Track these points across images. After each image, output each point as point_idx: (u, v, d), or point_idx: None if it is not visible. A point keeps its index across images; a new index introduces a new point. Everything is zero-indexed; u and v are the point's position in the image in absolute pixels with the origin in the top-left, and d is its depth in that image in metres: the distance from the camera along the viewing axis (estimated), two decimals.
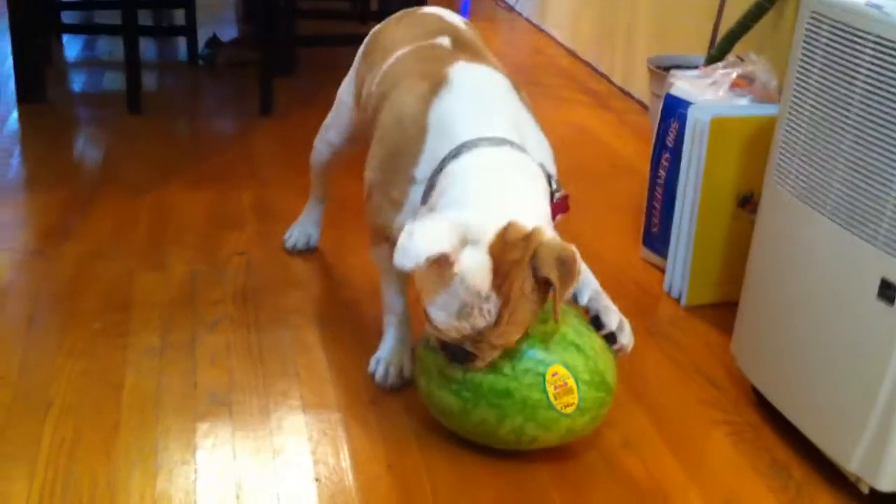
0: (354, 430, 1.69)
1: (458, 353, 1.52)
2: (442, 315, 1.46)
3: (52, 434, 1.63)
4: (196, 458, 1.60)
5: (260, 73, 3.29)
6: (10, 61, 3.49)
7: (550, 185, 1.58)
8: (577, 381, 1.54)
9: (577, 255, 1.44)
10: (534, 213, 1.48)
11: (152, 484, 1.53)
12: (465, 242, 1.42)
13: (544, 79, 3.93)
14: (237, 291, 2.12)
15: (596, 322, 1.65)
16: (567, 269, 1.43)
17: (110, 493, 1.51)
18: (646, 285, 2.27)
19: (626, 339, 1.65)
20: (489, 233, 1.43)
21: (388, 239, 1.72)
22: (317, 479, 1.57)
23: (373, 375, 1.81)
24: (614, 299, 2.17)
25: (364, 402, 1.77)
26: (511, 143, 1.56)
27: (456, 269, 1.41)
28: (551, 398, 1.53)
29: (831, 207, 1.53)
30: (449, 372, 1.57)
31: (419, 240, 1.40)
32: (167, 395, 1.75)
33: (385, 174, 1.66)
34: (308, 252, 2.32)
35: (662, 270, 2.30)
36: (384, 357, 1.81)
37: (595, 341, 1.59)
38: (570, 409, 1.54)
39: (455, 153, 1.54)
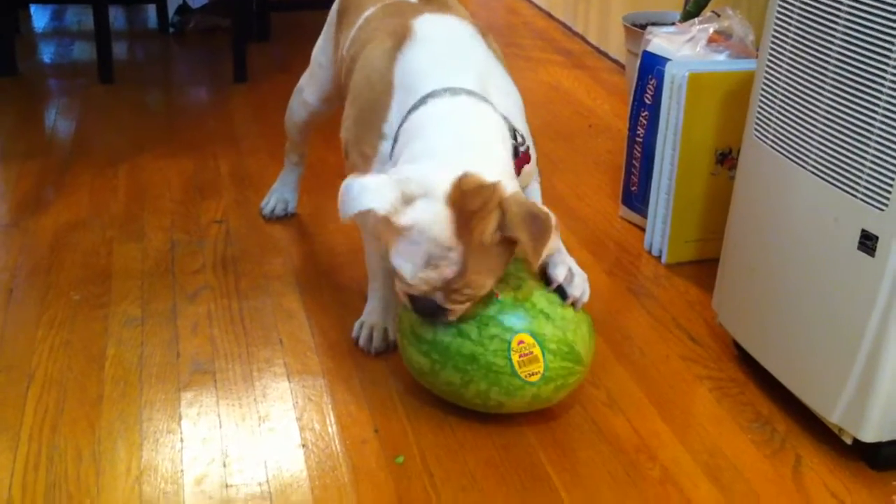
0: (339, 395, 1.69)
1: (428, 306, 1.51)
2: (408, 266, 1.46)
3: (34, 407, 1.62)
4: (181, 427, 1.59)
5: (233, 40, 3.25)
6: None
7: (515, 137, 1.57)
8: (543, 349, 1.53)
9: (551, 214, 1.44)
10: (490, 164, 1.48)
11: (138, 455, 1.53)
12: (410, 198, 1.42)
13: (519, 40, 3.91)
14: (217, 260, 2.11)
15: (546, 277, 1.61)
16: (539, 224, 1.43)
17: (95, 465, 1.50)
18: (626, 244, 2.27)
19: (578, 291, 1.59)
20: (444, 183, 1.43)
21: None
22: (303, 445, 1.57)
23: (356, 340, 1.81)
24: (594, 259, 2.18)
25: (348, 367, 1.76)
26: (470, 93, 1.55)
27: (404, 222, 1.42)
28: (515, 366, 1.52)
29: (811, 160, 1.54)
30: (420, 331, 1.57)
31: (353, 193, 1.42)
32: (150, 365, 1.74)
33: (358, 132, 1.66)
34: (287, 218, 2.31)
35: (642, 229, 2.30)
36: (368, 321, 1.81)
37: (567, 312, 1.57)
38: (534, 378, 1.53)
39: (416, 105, 1.54)
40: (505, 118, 1.57)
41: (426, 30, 1.64)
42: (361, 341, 1.80)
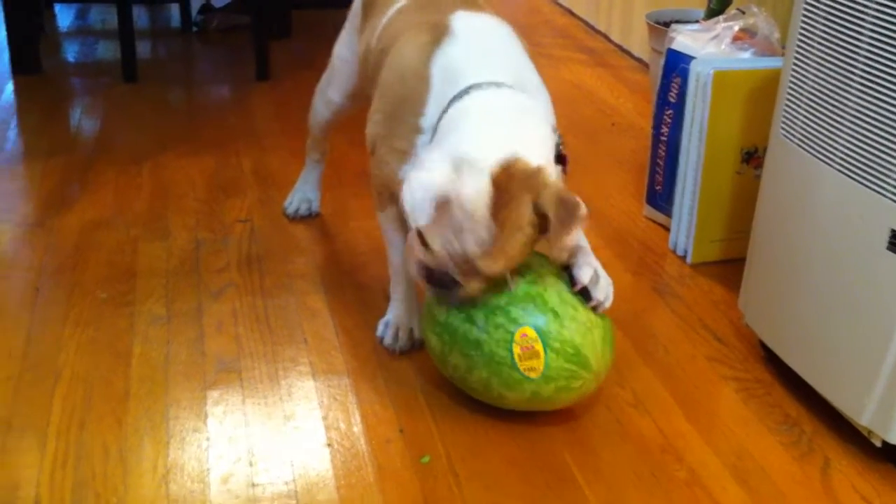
0: (364, 394, 1.69)
1: (443, 278, 1.52)
2: (434, 235, 1.47)
3: (61, 405, 1.63)
4: (207, 425, 1.60)
5: (254, 38, 3.26)
6: (3, 33, 3.46)
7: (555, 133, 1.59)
8: (545, 346, 1.52)
9: (581, 203, 1.45)
10: (538, 154, 1.48)
11: (164, 453, 1.53)
12: (461, 169, 1.44)
13: (540, 38, 3.90)
14: (241, 258, 2.11)
15: (571, 277, 1.60)
16: (568, 210, 1.44)
17: (122, 463, 1.50)
18: (650, 243, 2.26)
19: (602, 294, 1.58)
20: (492, 160, 1.44)
21: (394, 200, 1.71)
22: (329, 445, 1.57)
23: (381, 340, 1.81)
24: (618, 259, 2.17)
25: (373, 366, 1.76)
26: (512, 88, 1.56)
27: (454, 197, 1.43)
28: (515, 358, 1.52)
29: (839, 159, 1.52)
30: (435, 312, 1.59)
31: (419, 192, 1.44)
32: (175, 363, 1.75)
33: (389, 127, 1.66)
34: (310, 218, 2.31)
35: (667, 228, 2.29)
36: (392, 321, 1.81)
37: (580, 314, 1.55)
38: (533, 374, 1.52)
39: (459, 95, 1.54)
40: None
41: (465, 26, 1.64)
42: (387, 341, 1.80)
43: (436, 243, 1.47)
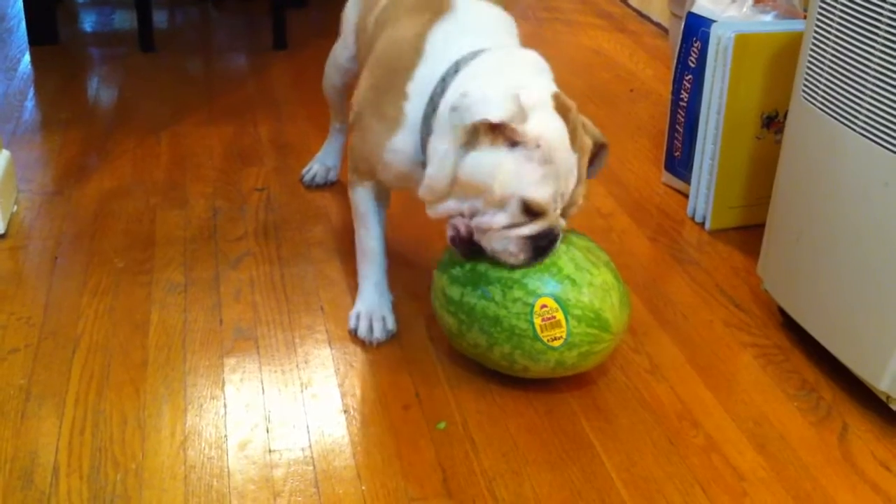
0: (380, 362, 1.69)
1: (551, 236, 1.51)
2: (545, 189, 1.47)
3: (80, 372, 1.64)
4: (225, 392, 1.60)
5: (272, 7, 3.24)
6: (20, 2, 3.47)
7: None
8: (566, 315, 1.51)
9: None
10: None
11: (182, 420, 1.54)
12: (527, 110, 1.45)
13: (558, 3, 3.86)
14: (259, 227, 2.12)
15: None
16: (600, 135, 1.60)
17: (140, 430, 1.51)
18: (669, 210, 2.25)
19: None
20: (548, 96, 1.49)
21: (372, 174, 1.69)
22: (345, 411, 1.57)
23: (354, 331, 1.75)
24: (637, 225, 2.16)
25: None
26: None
27: (525, 136, 1.44)
28: (537, 330, 1.51)
29: (861, 122, 1.50)
30: (449, 292, 1.59)
31: (476, 101, 1.45)
32: (193, 331, 1.76)
33: (377, 95, 1.64)
34: (328, 186, 2.31)
35: (685, 195, 2.27)
36: (364, 311, 1.75)
37: (596, 278, 1.55)
38: (557, 343, 1.52)
39: (470, 57, 1.56)
40: None
41: (466, 7, 1.65)
42: (361, 332, 1.74)
43: (547, 197, 1.47)
